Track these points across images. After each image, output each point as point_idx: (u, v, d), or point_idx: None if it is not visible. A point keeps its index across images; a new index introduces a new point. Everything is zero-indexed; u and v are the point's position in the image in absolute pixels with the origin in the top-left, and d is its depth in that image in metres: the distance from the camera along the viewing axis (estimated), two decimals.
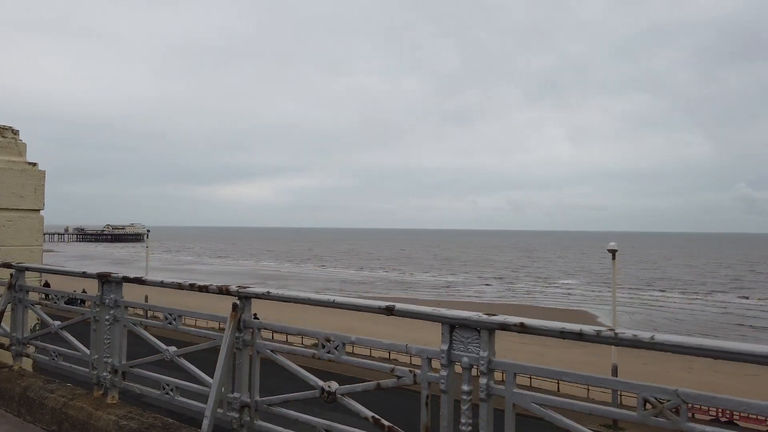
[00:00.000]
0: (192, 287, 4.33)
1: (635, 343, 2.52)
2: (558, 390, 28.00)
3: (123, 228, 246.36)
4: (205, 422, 3.86)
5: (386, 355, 29.85)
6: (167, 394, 4.47)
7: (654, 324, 61.12)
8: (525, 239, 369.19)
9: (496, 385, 2.96)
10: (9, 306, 5.95)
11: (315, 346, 3.63)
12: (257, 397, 3.95)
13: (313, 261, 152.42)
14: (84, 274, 5.17)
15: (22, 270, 5.89)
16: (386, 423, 3.30)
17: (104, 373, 4.93)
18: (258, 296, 3.96)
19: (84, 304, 5.75)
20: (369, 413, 3.39)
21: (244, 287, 4.05)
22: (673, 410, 2.40)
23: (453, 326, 3.09)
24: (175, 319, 4.48)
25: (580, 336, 2.66)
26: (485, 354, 2.96)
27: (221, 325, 4.00)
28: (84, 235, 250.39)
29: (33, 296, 5.94)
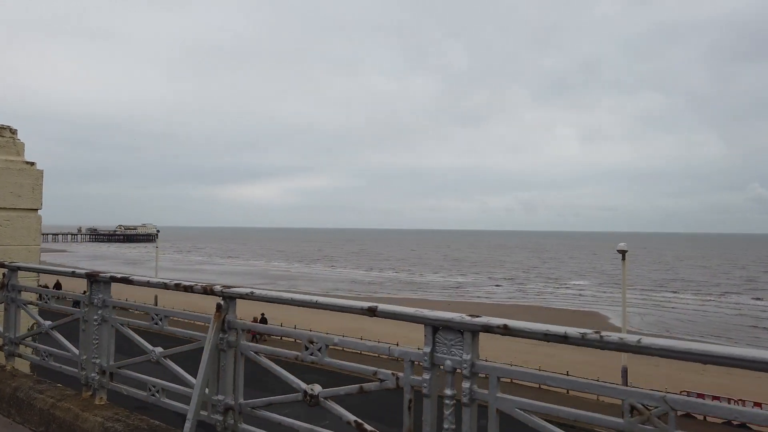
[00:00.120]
0: (177, 287, 4.26)
1: (621, 347, 2.40)
2: (568, 393, 27.75)
3: (135, 228, 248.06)
4: (187, 425, 3.78)
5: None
6: (153, 395, 4.40)
7: (666, 326, 60.48)
8: (535, 239, 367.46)
9: (480, 389, 2.84)
10: (2, 306, 5.91)
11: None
12: (241, 400, 3.86)
13: (322, 261, 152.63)
14: (73, 274, 5.12)
15: (14, 269, 5.85)
16: (369, 428, 3.20)
17: (92, 374, 4.86)
18: (242, 296, 3.87)
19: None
20: (352, 417, 3.29)
21: (229, 287, 3.96)
22: (661, 417, 2.28)
23: (436, 328, 2.99)
24: (161, 320, 4.40)
25: (564, 339, 2.54)
26: (468, 357, 2.85)
27: (208, 326, 3.92)
28: (97, 236, 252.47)
29: (29, 296, 5.91)
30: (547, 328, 2.61)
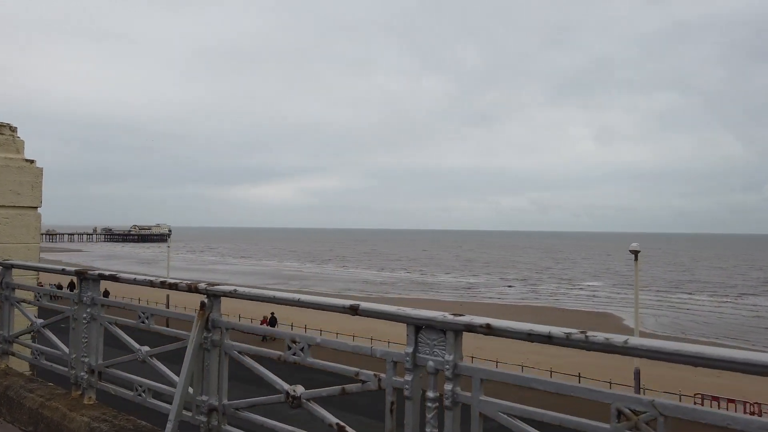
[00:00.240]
0: (162, 285, 4.18)
1: (608, 348, 2.25)
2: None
3: (149, 228, 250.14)
4: (169, 426, 3.68)
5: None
6: (140, 395, 4.31)
7: (681, 327, 59.72)
8: (549, 240, 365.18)
9: (463, 392, 2.71)
10: None
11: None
12: (225, 401, 3.76)
13: (334, 261, 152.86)
14: (63, 271, 5.06)
15: (8, 267, 5.81)
16: (350, 431, 3.08)
17: (81, 373, 4.80)
18: (225, 294, 3.77)
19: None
20: (334, 420, 3.17)
21: (213, 284, 3.86)
22: (650, 423, 2.13)
23: (419, 327, 2.86)
24: (148, 318, 4.32)
25: (549, 339, 2.40)
26: (451, 358, 2.72)
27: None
28: (111, 236, 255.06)
29: (26, 295, 5.87)
30: (531, 327, 2.47)
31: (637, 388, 26.79)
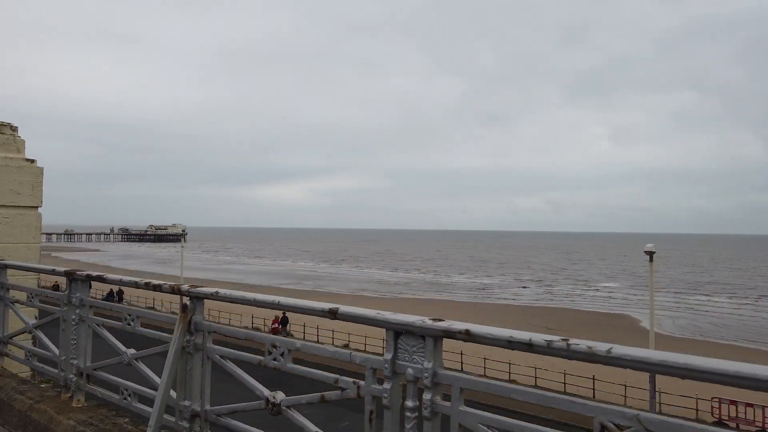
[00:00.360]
0: (147, 286, 4.08)
1: (590, 357, 2.10)
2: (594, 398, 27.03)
3: (165, 228, 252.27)
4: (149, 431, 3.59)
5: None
6: (125, 399, 4.23)
7: (699, 330, 58.74)
8: (565, 241, 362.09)
9: (442, 401, 2.57)
10: None
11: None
12: (207, 406, 3.65)
13: (348, 261, 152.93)
14: (53, 272, 5.00)
15: (2, 267, 5.78)
16: None
17: (71, 375, 4.73)
18: (207, 296, 3.67)
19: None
20: (313, 428, 3.05)
21: (196, 287, 3.76)
22: None
23: (398, 333, 2.72)
24: (133, 320, 4.23)
25: (529, 346, 2.26)
26: (430, 365, 2.58)
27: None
28: (128, 236, 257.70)
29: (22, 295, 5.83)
30: (511, 334, 2.32)
31: (653, 391, 26.33)
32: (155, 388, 3.98)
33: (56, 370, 4.93)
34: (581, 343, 2.13)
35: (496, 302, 76.68)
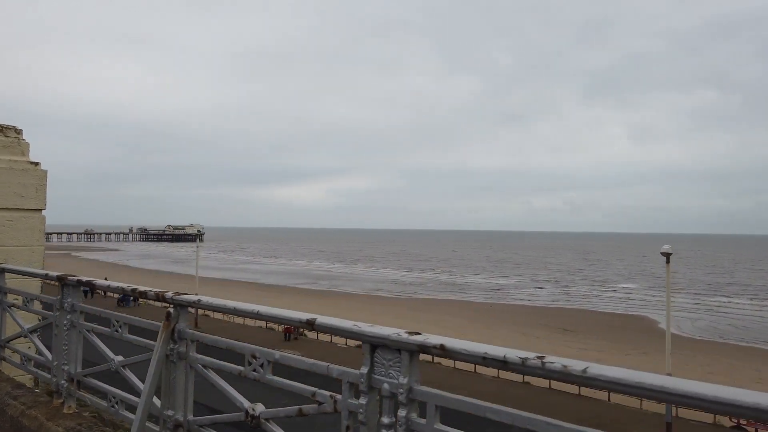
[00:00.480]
0: (133, 292, 4.04)
1: (565, 376, 1.98)
2: (609, 400, 26.61)
3: (183, 228, 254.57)
4: None
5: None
6: (113, 407, 4.18)
7: (719, 332, 57.72)
8: (582, 241, 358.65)
9: (418, 419, 2.46)
10: None
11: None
12: (190, 416, 3.58)
13: (363, 261, 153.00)
14: (46, 276, 4.98)
15: (0, 272, 5.78)
16: None
17: (62, 381, 4.70)
18: (191, 304, 3.60)
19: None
20: None
21: (180, 294, 3.69)
22: None
23: (375, 346, 2.62)
24: (121, 326, 4.18)
25: (504, 364, 2.14)
26: (405, 381, 2.48)
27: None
28: (147, 235, 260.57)
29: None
30: (486, 350, 2.21)
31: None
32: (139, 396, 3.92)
33: (50, 376, 4.91)
34: (556, 362, 2.01)
35: (511, 303, 76.11)
